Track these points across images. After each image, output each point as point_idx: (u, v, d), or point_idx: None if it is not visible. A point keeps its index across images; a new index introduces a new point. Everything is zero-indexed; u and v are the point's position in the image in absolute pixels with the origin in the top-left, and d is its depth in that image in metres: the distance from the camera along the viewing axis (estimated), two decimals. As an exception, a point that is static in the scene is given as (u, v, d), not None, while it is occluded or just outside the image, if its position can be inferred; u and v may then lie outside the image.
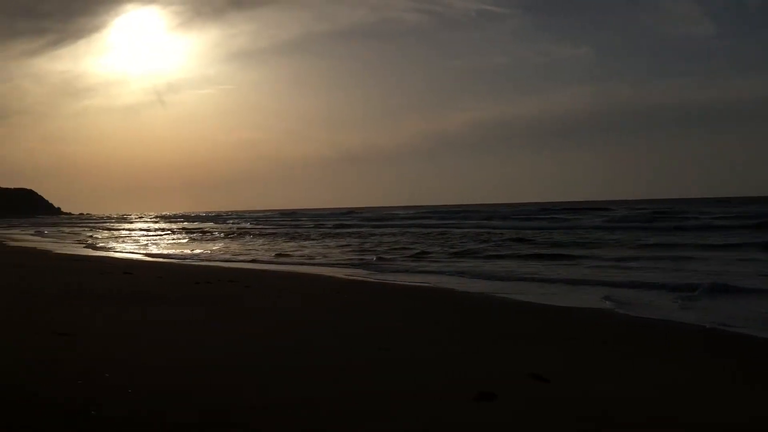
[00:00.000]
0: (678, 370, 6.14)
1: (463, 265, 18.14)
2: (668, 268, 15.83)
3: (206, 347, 6.17)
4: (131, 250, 28.57)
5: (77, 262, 19.51)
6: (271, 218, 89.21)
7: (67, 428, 3.68)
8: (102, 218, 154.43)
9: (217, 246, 31.54)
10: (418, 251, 23.35)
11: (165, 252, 27.19)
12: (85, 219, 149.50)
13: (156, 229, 58.82)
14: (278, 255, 24.05)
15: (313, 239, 35.08)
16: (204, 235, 44.60)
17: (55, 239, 42.09)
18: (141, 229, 60.09)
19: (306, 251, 25.89)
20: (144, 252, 27.38)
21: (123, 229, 61.99)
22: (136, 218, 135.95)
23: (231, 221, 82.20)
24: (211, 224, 71.84)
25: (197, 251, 27.42)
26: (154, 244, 34.85)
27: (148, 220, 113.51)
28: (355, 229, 44.19)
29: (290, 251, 25.98)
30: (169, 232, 52.13)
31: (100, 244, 33.72)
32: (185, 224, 75.54)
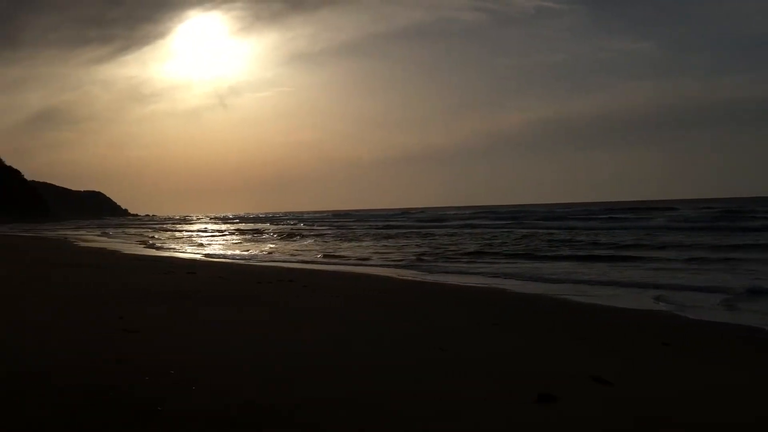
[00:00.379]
0: (736, 372, 5.98)
1: (518, 267, 17.93)
2: (729, 270, 15.32)
3: (267, 346, 6.30)
4: (193, 251, 29.37)
5: (143, 261, 20.18)
6: (326, 219, 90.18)
7: (136, 423, 3.81)
8: (165, 219, 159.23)
9: (274, 246, 32.12)
10: (473, 252, 23.20)
11: (225, 252, 27.84)
12: (150, 220, 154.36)
13: (216, 230, 60.27)
14: (333, 255, 24.28)
15: (367, 240, 35.26)
16: (262, 235, 45.46)
17: (121, 240, 43.65)
18: (202, 230, 61.67)
19: (360, 252, 26.04)
20: (205, 252, 28.10)
21: (185, 230, 63.75)
22: (196, 219, 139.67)
23: (287, 222, 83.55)
24: (268, 225, 73.10)
25: (256, 251, 28.00)
26: (214, 244, 35.71)
27: (209, 221, 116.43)
28: (409, 230, 44.16)
29: (345, 252, 26.19)
30: (228, 232, 53.35)
31: (164, 245, 34.77)
32: (244, 225, 77.13)
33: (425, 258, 21.65)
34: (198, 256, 25.03)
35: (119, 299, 9.42)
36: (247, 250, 28.95)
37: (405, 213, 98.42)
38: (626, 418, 4.23)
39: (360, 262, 21.47)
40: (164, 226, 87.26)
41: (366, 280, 15.10)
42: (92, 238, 47.51)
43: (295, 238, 39.55)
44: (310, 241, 36.52)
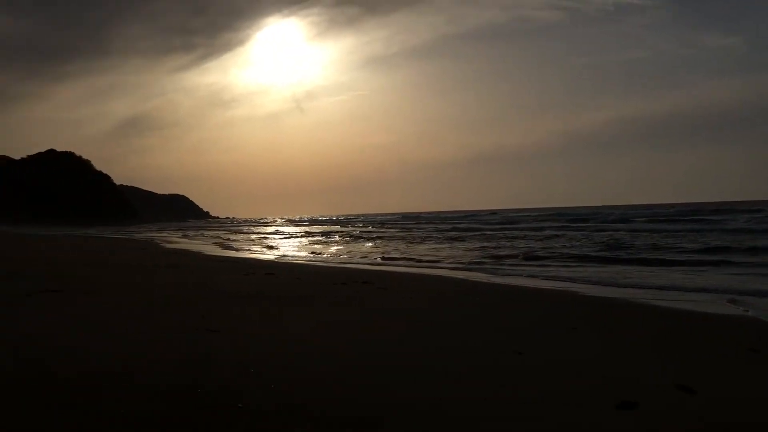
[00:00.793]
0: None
1: (593, 270, 17.44)
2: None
3: (345, 347, 6.41)
4: (271, 252, 30.13)
5: (224, 263, 20.86)
6: (397, 221, 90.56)
7: (217, 420, 3.95)
8: (244, 222, 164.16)
9: (348, 248, 32.52)
10: (544, 255, 22.76)
11: (301, 254, 28.42)
12: (230, 223, 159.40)
13: (292, 233, 61.62)
14: (405, 257, 24.38)
15: (438, 242, 35.19)
16: (335, 237, 46.11)
17: (201, 241, 45.25)
18: (278, 233, 63.15)
19: (432, 254, 26.02)
20: (282, 254, 28.77)
21: (262, 233, 65.44)
22: (273, 222, 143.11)
23: (360, 224, 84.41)
24: (341, 227, 74.13)
25: (330, 253, 28.44)
26: (290, 246, 36.51)
27: (285, 223, 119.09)
28: (479, 232, 43.81)
29: (416, 254, 26.22)
30: (303, 234, 54.43)
31: (242, 247, 35.83)
32: (318, 227, 78.50)
33: (495, 260, 21.45)
34: (275, 258, 25.65)
35: (201, 299, 9.79)
36: (322, 252, 29.45)
37: (475, 215, 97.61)
38: (711, 428, 4.08)
39: (431, 264, 21.47)
40: (243, 228, 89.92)
41: (438, 281, 15.09)
42: (175, 239, 49.49)
43: (367, 240, 39.93)
44: (382, 243, 36.76)
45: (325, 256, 26.89)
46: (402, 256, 25.24)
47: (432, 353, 6.24)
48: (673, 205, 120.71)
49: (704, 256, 20.70)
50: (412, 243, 35.19)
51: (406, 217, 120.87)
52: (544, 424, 4.06)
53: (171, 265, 18.50)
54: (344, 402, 4.41)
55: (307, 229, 72.15)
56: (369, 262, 22.92)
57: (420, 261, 22.66)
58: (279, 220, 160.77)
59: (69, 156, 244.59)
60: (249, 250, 32.68)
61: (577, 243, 28.94)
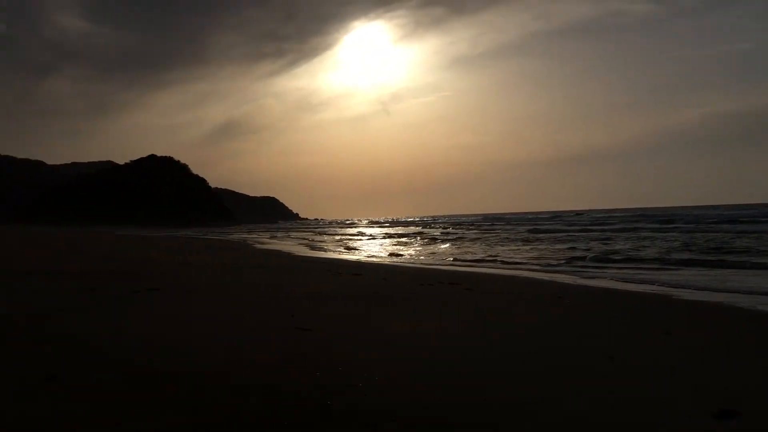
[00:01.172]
0: None
1: (690, 273, 16.70)
2: None
3: (435, 347, 6.44)
4: (357, 253, 30.57)
5: (313, 263, 21.36)
6: (482, 222, 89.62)
7: (307, 418, 4.08)
8: (331, 223, 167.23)
9: (433, 249, 32.52)
10: (636, 256, 21.93)
11: (387, 255, 28.66)
12: (317, 224, 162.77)
13: (377, 234, 62.21)
14: (490, 258, 24.14)
15: (525, 243, 34.62)
16: (421, 239, 46.17)
17: (291, 242, 46.47)
18: (364, 234, 63.93)
19: (518, 255, 25.63)
20: (368, 254, 29.13)
21: (348, 234, 66.45)
22: (359, 223, 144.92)
23: (445, 225, 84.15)
24: (426, 228, 74.16)
25: (416, 254, 28.53)
26: (376, 247, 36.88)
27: (371, 224, 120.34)
28: (567, 233, 42.78)
29: (502, 255, 25.90)
30: (388, 236, 54.82)
31: (330, 248, 36.53)
32: (403, 229, 78.84)
33: (581, 262, 20.90)
34: (361, 259, 26.00)
35: (292, 299, 10.08)
36: (407, 253, 29.58)
37: (559, 216, 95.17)
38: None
39: (516, 265, 21.17)
40: (329, 229, 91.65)
41: (524, 283, 14.86)
42: (265, 240, 51.12)
43: (451, 242, 39.76)
44: (466, 244, 36.52)
45: (409, 257, 27.01)
46: (486, 257, 25.01)
47: (519, 355, 6.18)
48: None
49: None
50: (496, 244, 34.79)
51: (490, 218, 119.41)
52: (640, 431, 3.96)
53: (262, 265, 19.14)
54: (430, 403, 4.44)
55: (390, 230, 72.64)
56: (453, 263, 22.85)
57: (505, 262, 22.38)
58: (364, 222, 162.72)
59: (168, 160, 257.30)
60: (336, 251, 33.30)
61: (668, 245, 27.72)
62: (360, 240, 47.96)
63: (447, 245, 35.75)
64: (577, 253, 24.67)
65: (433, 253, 28.85)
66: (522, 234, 45.62)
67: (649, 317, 9.33)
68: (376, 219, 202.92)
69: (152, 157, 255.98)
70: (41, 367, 5.00)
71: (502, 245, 33.59)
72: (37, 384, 4.54)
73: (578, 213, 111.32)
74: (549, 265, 20.63)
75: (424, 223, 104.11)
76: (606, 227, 50.48)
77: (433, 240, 42.76)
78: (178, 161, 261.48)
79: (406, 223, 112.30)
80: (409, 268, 19.77)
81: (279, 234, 72.05)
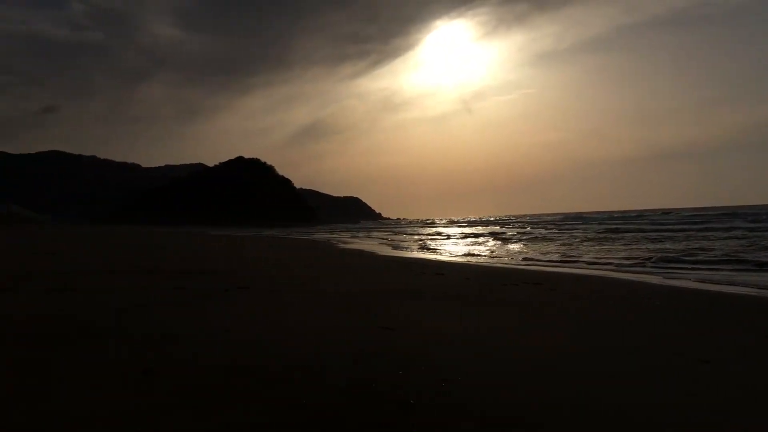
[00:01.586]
0: None
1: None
2: None
3: (519, 348, 6.41)
4: (438, 253, 30.51)
5: (394, 263, 21.50)
6: (565, 221, 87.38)
7: (392, 414, 4.17)
8: (412, 222, 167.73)
9: (514, 248, 32.03)
10: (728, 257, 20.78)
11: (469, 254, 28.46)
12: (399, 224, 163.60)
13: (459, 233, 61.89)
14: (573, 258, 23.55)
15: (611, 242, 33.50)
16: (502, 238, 45.57)
17: (373, 242, 46.93)
18: (446, 233, 63.73)
19: (602, 255, 24.85)
20: (450, 254, 29.02)
21: (430, 233, 66.44)
22: (440, 222, 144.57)
23: (527, 224, 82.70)
24: (508, 228, 73.14)
25: (498, 254, 28.18)
26: (458, 246, 36.68)
27: (452, 224, 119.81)
28: (653, 233, 41.02)
29: (586, 254, 25.19)
30: (470, 235, 54.40)
31: (411, 247, 36.64)
32: (484, 228, 78.08)
33: (666, 262, 20.04)
34: (443, 258, 25.94)
35: (375, 297, 10.22)
36: (489, 253, 29.27)
37: (645, 215, 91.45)
38: None
39: (600, 265, 20.54)
40: (411, 229, 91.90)
41: (607, 283, 14.37)
42: (348, 240, 51.88)
43: (533, 241, 39.04)
44: (548, 243, 35.75)
45: (489, 257, 26.71)
46: (567, 257, 24.42)
47: (605, 357, 6.06)
48: None
49: None
50: (577, 244, 33.86)
51: (570, 217, 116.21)
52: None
53: (346, 265, 19.45)
54: (510, 402, 4.45)
55: (469, 230, 72.08)
56: (534, 263, 22.42)
57: (587, 263, 21.75)
58: (444, 221, 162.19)
59: (255, 162, 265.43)
60: (417, 250, 33.36)
61: (763, 244, 26.09)
62: (439, 240, 47.84)
63: (527, 245, 35.13)
64: (662, 254, 23.66)
65: (513, 253, 28.42)
66: (603, 233, 44.16)
67: (744, 320, 8.87)
68: (456, 219, 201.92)
69: (240, 159, 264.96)
70: (140, 361, 5.31)
71: (583, 245, 32.66)
72: (137, 377, 4.83)
73: (665, 212, 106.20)
74: (633, 264, 19.94)
75: (503, 223, 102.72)
76: (694, 226, 48.12)
77: (512, 240, 42.13)
78: (265, 162, 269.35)
79: (486, 223, 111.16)
80: (491, 267, 19.56)
81: (360, 234, 73.03)
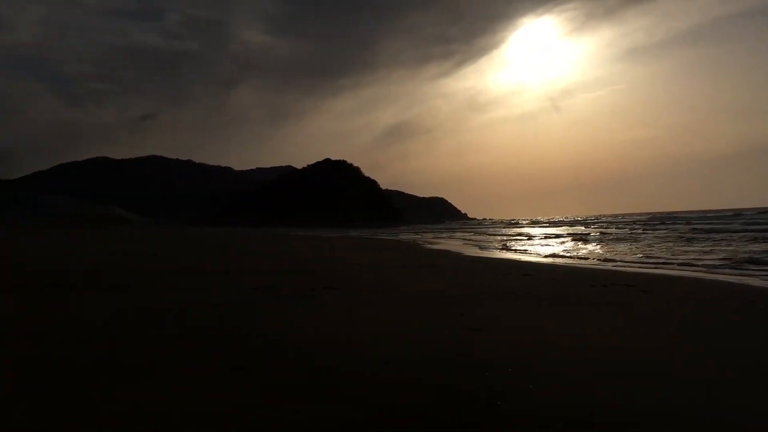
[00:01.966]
0: None
1: None
2: None
3: (608, 349, 6.22)
4: (524, 253, 29.95)
5: (480, 263, 21.30)
6: (654, 221, 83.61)
7: (478, 416, 4.14)
8: (498, 223, 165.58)
9: (603, 249, 30.92)
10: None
11: (555, 255, 27.76)
12: (485, 224, 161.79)
13: (544, 234, 60.50)
14: (664, 259, 22.49)
15: (709, 243, 31.77)
16: (590, 238, 44.14)
17: (458, 242, 46.63)
18: (531, 234, 62.45)
19: (698, 256, 23.60)
20: (536, 255, 28.42)
21: (515, 234, 65.30)
22: (526, 223, 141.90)
23: (613, 224, 79.74)
24: (595, 228, 70.85)
25: (586, 254, 27.32)
26: (544, 247, 35.86)
27: (538, 224, 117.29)
28: (749, 233, 38.50)
29: (679, 255, 24.01)
30: (557, 236, 53.03)
31: (497, 247, 36.15)
32: (570, 228, 75.96)
33: (761, 263, 18.77)
34: (529, 259, 25.45)
35: (462, 299, 10.16)
36: (575, 254, 28.43)
37: (743, 214, 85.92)
38: None
39: (692, 267, 19.50)
40: (493, 229, 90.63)
41: (704, 285, 13.64)
42: (433, 240, 51.83)
43: (623, 241, 37.56)
44: (639, 244, 34.30)
45: (577, 257, 25.93)
46: (658, 257, 23.34)
47: (720, 360, 5.81)
48: None
49: None
50: (668, 244, 32.32)
51: (662, 216, 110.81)
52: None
53: (432, 265, 19.43)
54: (619, 407, 4.33)
55: (556, 230, 70.26)
56: (623, 263, 21.56)
57: (681, 264, 20.71)
58: (528, 221, 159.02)
59: (342, 164, 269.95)
60: (501, 250, 32.87)
61: None
62: (523, 240, 46.89)
63: (613, 246, 33.84)
64: (758, 255, 22.20)
65: (599, 254, 27.45)
66: (695, 233, 41.90)
67: None
68: (541, 218, 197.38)
69: (327, 161, 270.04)
70: (230, 357, 5.51)
71: (674, 245, 31.13)
72: (227, 373, 5.02)
73: (762, 211, 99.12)
74: (727, 266, 18.83)
75: (589, 222, 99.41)
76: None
77: (598, 240, 40.68)
78: (351, 164, 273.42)
79: (571, 223, 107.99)
80: (578, 268, 19.01)
81: (444, 234, 72.67)
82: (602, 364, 5.60)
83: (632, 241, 37.11)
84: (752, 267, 18.36)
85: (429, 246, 39.06)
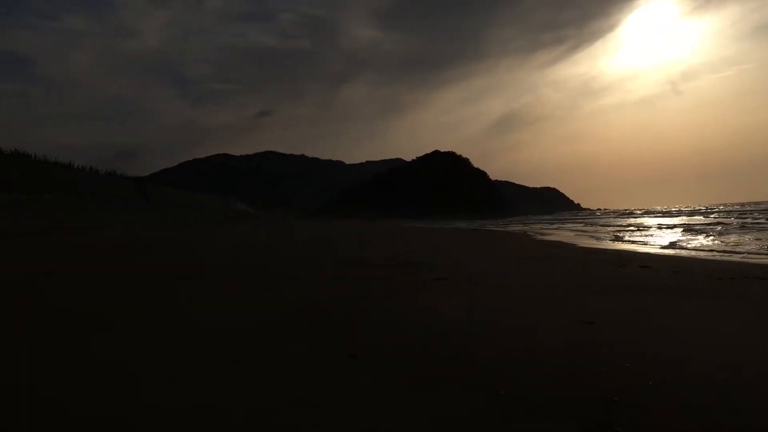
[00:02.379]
0: None
1: None
2: None
3: (739, 348, 5.92)
4: (641, 244, 28.63)
5: (594, 254, 20.65)
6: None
7: (592, 412, 4.10)
8: (610, 213, 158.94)
9: (730, 240, 28.90)
10: None
11: (675, 246, 26.36)
12: (599, 214, 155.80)
13: (663, 224, 57.37)
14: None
15: None
16: (712, 228, 41.33)
17: (571, 233, 45.31)
18: (648, 224, 59.48)
19: None
20: (654, 245, 27.10)
21: (631, 224, 62.41)
22: (642, 212, 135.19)
23: (744, 213, 74.08)
24: (720, 216, 66.33)
25: (709, 245, 25.70)
26: (663, 237, 34.08)
27: (653, 214, 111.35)
28: None
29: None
30: (677, 225, 50.15)
31: (613, 238, 34.78)
32: (689, 219, 71.38)
33: None
34: (647, 250, 24.34)
35: (575, 291, 9.95)
36: (697, 244, 26.81)
37: None
38: None
39: None
40: (604, 219, 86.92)
41: None
42: (545, 231, 50.69)
43: (745, 231, 34.91)
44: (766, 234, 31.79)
45: (699, 248, 24.44)
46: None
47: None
48: None
49: None
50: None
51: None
52: None
53: (544, 256, 19.08)
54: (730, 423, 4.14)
55: (673, 221, 66.32)
56: (753, 254, 20.10)
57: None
58: (642, 211, 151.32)
59: (451, 155, 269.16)
60: (616, 241, 31.60)
61: None
62: (637, 231, 44.73)
63: (740, 236, 31.56)
64: None
65: (725, 245, 25.72)
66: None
67: None
68: (658, 208, 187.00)
69: (436, 152, 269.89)
70: (345, 347, 5.77)
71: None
72: (342, 362, 5.27)
73: None
74: None
75: (711, 212, 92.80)
76: None
77: (722, 231, 38.04)
78: (460, 155, 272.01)
79: (690, 212, 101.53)
80: (701, 260, 17.99)
81: (554, 225, 70.67)
82: (729, 362, 5.33)
83: (759, 230, 34.53)
84: None
85: (540, 237, 38.24)
